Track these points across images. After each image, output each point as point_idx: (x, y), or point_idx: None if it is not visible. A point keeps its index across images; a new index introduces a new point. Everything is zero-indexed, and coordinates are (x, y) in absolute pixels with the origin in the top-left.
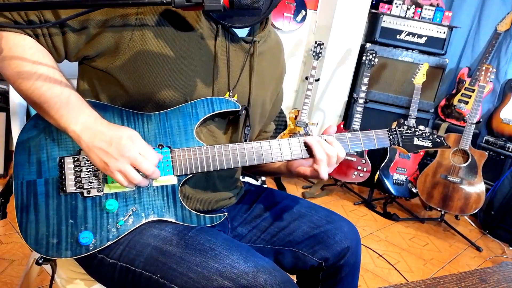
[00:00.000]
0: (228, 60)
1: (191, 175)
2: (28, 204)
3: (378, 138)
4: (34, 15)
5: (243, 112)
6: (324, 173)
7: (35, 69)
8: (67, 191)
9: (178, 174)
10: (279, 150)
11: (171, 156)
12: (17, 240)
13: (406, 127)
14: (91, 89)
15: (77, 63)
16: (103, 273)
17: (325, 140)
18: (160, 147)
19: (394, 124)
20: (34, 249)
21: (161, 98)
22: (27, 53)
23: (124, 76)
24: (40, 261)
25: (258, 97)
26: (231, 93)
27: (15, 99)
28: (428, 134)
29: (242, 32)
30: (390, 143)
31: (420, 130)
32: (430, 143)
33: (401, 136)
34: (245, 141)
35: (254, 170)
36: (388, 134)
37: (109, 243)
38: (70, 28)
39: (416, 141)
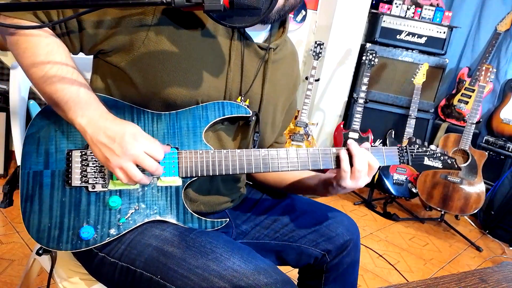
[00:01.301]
0: (242, 65)
1: (196, 178)
2: (33, 194)
3: (387, 155)
4: (55, 13)
5: (253, 118)
6: (349, 184)
7: (48, 59)
8: (72, 184)
9: (184, 176)
10: (286, 160)
11: (178, 157)
12: (17, 240)
13: (417, 146)
14: (104, 84)
15: (91, 57)
16: (103, 273)
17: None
18: None
19: (405, 142)
20: (35, 239)
21: (172, 98)
22: (42, 43)
23: (137, 73)
24: (40, 252)
25: (269, 105)
26: (243, 98)
27: (15, 99)
28: (439, 154)
29: (258, 38)
30: (400, 160)
31: (431, 150)
32: (441, 164)
33: (411, 155)
34: (254, 147)
35: (282, 188)
36: (398, 151)
37: (109, 239)
38: (87, 24)
39: (426, 161)
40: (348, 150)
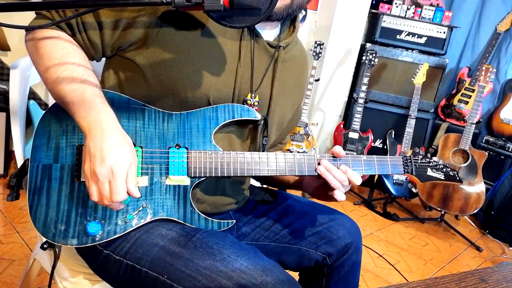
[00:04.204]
0: (252, 62)
1: (204, 178)
2: (41, 187)
3: (392, 165)
4: (71, 12)
5: (261, 123)
6: (341, 197)
7: (63, 61)
8: (81, 179)
9: (192, 176)
10: (293, 165)
11: (187, 157)
12: (17, 240)
13: (421, 157)
14: (116, 80)
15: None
16: (107, 270)
17: (339, 168)
18: (177, 147)
19: (409, 152)
20: (41, 233)
21: (183, 93)
22: (58, 46)
23: (149, 68)
24: (45, 246)
25: (277, 104)
26: (253, 94)
27: (15, 99)
28: (441, 166)
29: (268, 36)
30: (404, 170)
31: (434, 161)
32: (443, 176)
33: (415, 165)
34: (263, 151)
35: (271, 182)
36: (403, 161)
37: (115, 236)
38: (106, 22)
39: (430, 172)
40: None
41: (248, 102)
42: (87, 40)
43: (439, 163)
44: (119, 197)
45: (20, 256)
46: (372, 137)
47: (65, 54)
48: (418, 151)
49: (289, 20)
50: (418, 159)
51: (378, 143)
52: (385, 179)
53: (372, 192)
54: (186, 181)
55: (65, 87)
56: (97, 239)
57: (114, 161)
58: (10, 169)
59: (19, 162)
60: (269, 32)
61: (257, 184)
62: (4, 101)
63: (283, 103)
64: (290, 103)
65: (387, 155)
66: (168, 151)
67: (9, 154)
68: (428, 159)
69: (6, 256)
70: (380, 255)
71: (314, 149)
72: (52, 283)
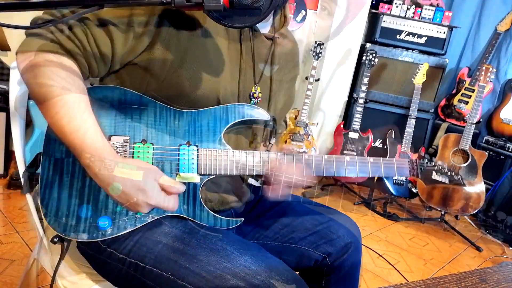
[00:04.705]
0: (253, 56)
1: (214, 176)
2: (53, 181)
3: (398, 168)
4: (79, 28)
5: (270, 123)
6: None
7: (61, 101)
8: None
9: (202, 174)
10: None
11: (197, 155)
12: (17, 240)
13: (426, 160)
14: (121, 83)
15: None
16: (110, 269)
17: None
18: (188, 144)
19: (415, 156)
20: (52, 226)
21: (192, 92)
22: (56, 79)
23: (157, 69)
24: (55, 240)
25: (278, 91)
26: (256, 86)
27: (15, 99)
28: (446, 170)
29: (264, 28)
30: (410, 173)
31: (439, 165)
32: (447, 180)
33: (421, 169)
34: (269, 149)
35: None
36: (409, 164)
37: (125, 231)
38: (116, 33)
39: (435, 176)
40: None
41: (254, 95)
42: (98, 52)
43: (444, 167)
44: (173, 208)
45: (20, 256)
46: (372, 137)
47: (56, 80)
48: (423, 155)
49: (280, 9)
50: (423, 163)
51: (378, 143)
52: (385, 179)
53: (372, 192)
54: (196, 178)
55: (65, 131)
56: (107, 233)
57: (144, 197)
58: (10, 169)
59: (19, 162)
60: (265, 24)
61: (257, 184)
62: (4, 101)
63: (282, 88)
64: (287, 86)
65: (387, 155)
66: (178, 149)
67: (9, 154)
68: (433, 163)
69: (6, 256)
70: (380, 255)
71: (314, 149)
72: (54, 283)
